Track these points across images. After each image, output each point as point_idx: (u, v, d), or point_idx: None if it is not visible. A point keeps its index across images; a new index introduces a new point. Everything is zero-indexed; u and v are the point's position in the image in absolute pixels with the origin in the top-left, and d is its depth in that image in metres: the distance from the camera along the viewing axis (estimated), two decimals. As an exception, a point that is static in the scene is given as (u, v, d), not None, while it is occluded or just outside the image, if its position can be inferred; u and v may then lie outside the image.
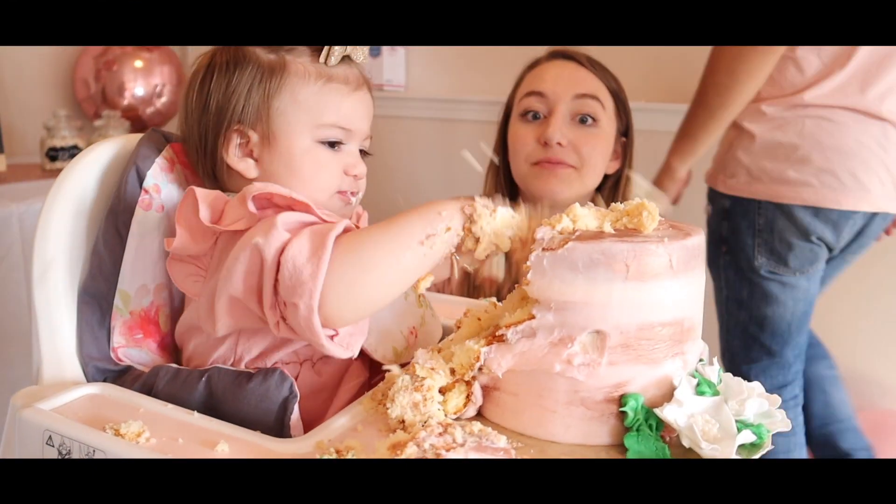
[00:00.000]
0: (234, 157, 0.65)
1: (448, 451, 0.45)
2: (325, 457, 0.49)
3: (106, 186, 0.69)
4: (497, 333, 0.54)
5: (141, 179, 0.66)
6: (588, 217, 0.55)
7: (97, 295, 0.66)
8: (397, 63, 2.27)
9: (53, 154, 1.77)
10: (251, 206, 0.57)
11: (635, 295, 0.51)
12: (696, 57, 1.93)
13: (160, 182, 0.67)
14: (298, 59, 0.65)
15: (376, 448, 0.49)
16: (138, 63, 2.04)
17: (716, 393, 0.55)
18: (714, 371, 0.57)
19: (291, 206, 0.58)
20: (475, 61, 2.22)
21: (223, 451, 0.51)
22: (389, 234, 0.55)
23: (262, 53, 0.65)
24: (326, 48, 0.65)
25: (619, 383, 0.52)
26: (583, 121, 0.98)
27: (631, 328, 0.51)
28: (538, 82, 1.00)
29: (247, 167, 0.65)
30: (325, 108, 0.65)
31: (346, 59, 0.67)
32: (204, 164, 0.67)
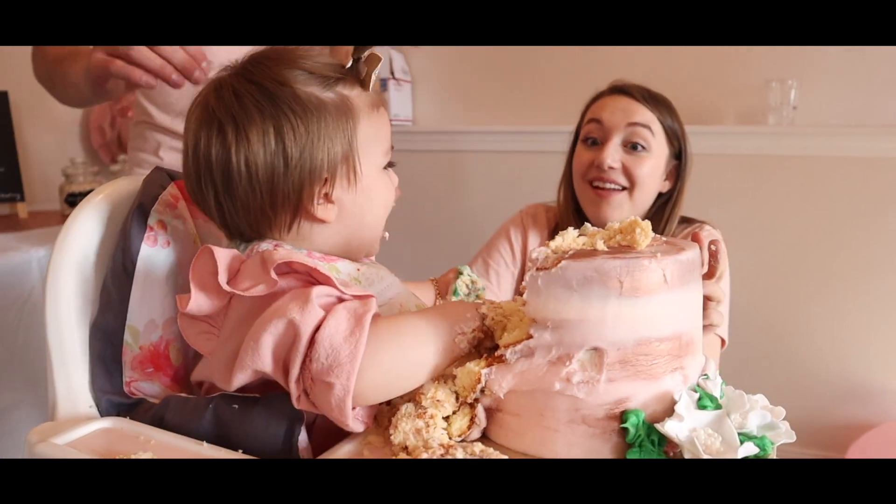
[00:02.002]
0: (319, 205, 0.64)
1: (449, 471, 0.45)
2: (329, 481, 0.49)
3: (114, 225, 0.71)
4: (496, 354, 0.55)
5: (145, 216, 0.68)
6: (581, 239, 0.57)
7: (107, 331, 0.68)
8: (404, 98, 2.32)
9: (72, 200, 1.82)
10: (273, 275, 0.57)
11: (630, 311, 0.51)
12: (682, 81, 1.98)
13: (165, 218, 0.69)
14: (352, 91, 0.65)
15: (380, 471, 0.49)
16: (152, 108, 2.09)
17: (718, 407, 0.55)
18: (716, 385, 0.57)
19: (310, 273, 0.58)
20: (479, 93, 2.27)
21: (230, 480, 0.52)
22: (425, 330, 0.57)
23: (319, 93, 0.63)
24: (371, 76, 0.65)
25: (619, 400, 0.52)
26: (634, 147, 1.10)
27: (628, 344, 0.52)
28: (598, 111, 1.14)
29: (326, 212, 0.64)
30: (383, 135, 0.67)
31: None
32: (283, 219, 0.64)
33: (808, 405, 1.90)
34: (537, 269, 0.53)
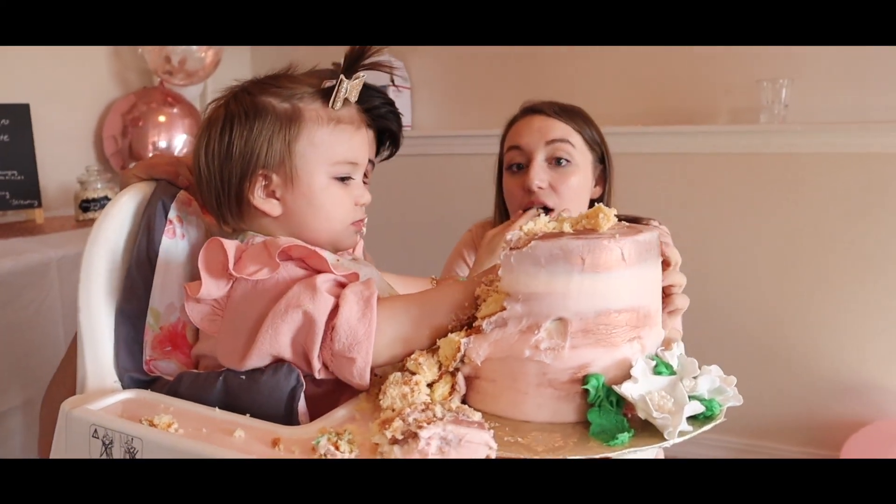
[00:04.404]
0: (260, 198, 0.73)
1: (429, 423, 0.52)
2: (325, 436, 0.56)
3: (136, 223, 0.79)
4: (474, 325, 0.62)
5: (166, 212, 0.76)
6: (550, 224, 0.64)
7: (132, 314, 0.75)
8: (403, 103, 2.39)
9: (86, 205, 1.90)
10: (277, 259, 0.66)
11: (591, 285, 0.58)
12: (675, 81, 2.04)
13: (182, 214, 0.77)
14: (310, 105, 0.74)
15: (370, 428, 0.56)
16: (162, 118, 2.19)
17: (673, 373, 0.61)
18: (673, 355, 0.64)
19: (308, 257, 0.68)
20: (476, 98, 2.34)
21: (240, 437, 0.59)
22: (424, 313, 0.66)
23: (276, 103, 0.73)
24: (333, 95, 0.74)
25: (581, 365, 0.59)
26: (558, 162, 1.11)
27: (589, 315, 0.59)
28: (516, 137, 1.15)
29: (271, 207, 0.74)
30: (337, 147, 0.75)
31: (345, 101, 0.76)
32: (227, 204, 0.74)
33: (803, 403, 1.93)
34: (511, 248, 0.60)
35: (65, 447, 0.64)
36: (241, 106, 0.73)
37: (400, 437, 0.52)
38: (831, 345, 1.91)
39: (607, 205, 1.18)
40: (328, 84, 0.75)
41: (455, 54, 2.34)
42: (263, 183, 0.73)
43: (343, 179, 0.76)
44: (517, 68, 2.25)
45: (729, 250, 1.99)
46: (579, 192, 1.12)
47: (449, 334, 0.63)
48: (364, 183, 0.80)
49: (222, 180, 0.73)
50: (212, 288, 0.67)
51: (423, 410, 0.54)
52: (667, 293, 0.79)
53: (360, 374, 0.63)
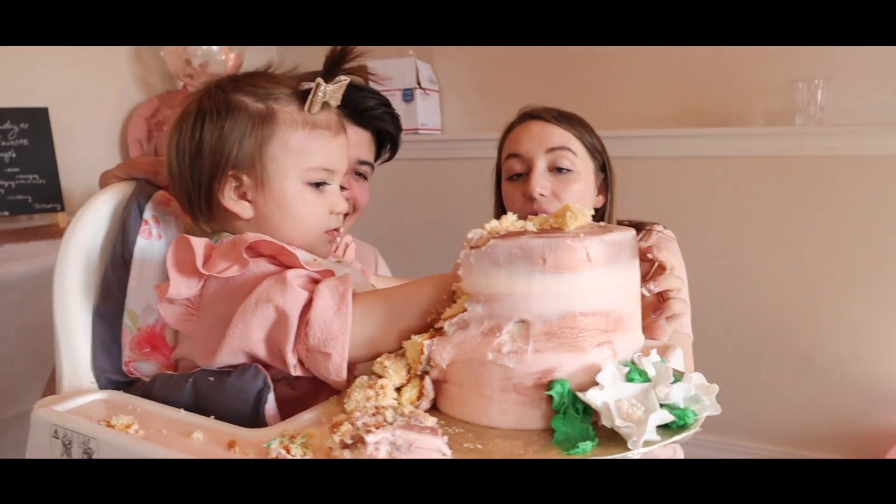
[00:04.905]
0: (230, 199, 0.71)
1: (378, 427, 0.50)
2: (278, 439, 0.55)
3: (113, 223, 0.79)
4: (436, 327, 0.60)
5: (141, 212, 0.76)
6: (519, 223, 0.61)
7: (108, 315, 0.75)
8: (432, 106, 2.36)
9: (108, 208, 1.94)
10: (245, 254, 0.65)
11: (554, 285, 0.56)
12: (707, 83, 1.98)
13: (158, 214, 0.77)
14: (285, 108, 0.72)
15: (324, 431, 0.55)
16: (183, 122, 2.22)
17: (647, 380, 0.58)
18: (649, 362, 0.60)
19: (278, 254, 0.66)
20: (506, 98, 2.30)
21: (198, 438, 0.58)
22: (402, 308, 0.64)
23: (250, 102, 0.71)
24: (309, 98, 0.71)
25: (546, 370, 0.57)
26: (559, 170, 1.08)
27: (553, 317, 0.56)
28: (515, 145, 1.11)
29: (242, 209, 0.72)
30: (312, 153, 0.72)
31: (325, 105, 0.73)
32: (198, 204, 0.72)
33: (842, 412, 1.85)
34: (470, 247, 0.58)
35: (33, 448, 0.64)
36: (214, 102, 0.71)
37: (349, 441, 0.51)
38: (872, 352, 1.82)
39: (610, 215, 1.14)
40: (306, 86, 0.73)
41: (484, 56, 2.30)
42: (234, 184, 0.71)
43: (318, 185, 0.73)
44: (546, 69, 2.20)
45: (765, 255, 1.93)
46: (582, 200, 1.07)
47: (412, 336, 0.62)
48: (344, 188, 0.78)
49: (192, 178, 0.71)
50: (181, 287, 0.67)
51: (373, 415, 0.53)
52: (664, 298, 0.76)
53: (336, 369, 0.61)
